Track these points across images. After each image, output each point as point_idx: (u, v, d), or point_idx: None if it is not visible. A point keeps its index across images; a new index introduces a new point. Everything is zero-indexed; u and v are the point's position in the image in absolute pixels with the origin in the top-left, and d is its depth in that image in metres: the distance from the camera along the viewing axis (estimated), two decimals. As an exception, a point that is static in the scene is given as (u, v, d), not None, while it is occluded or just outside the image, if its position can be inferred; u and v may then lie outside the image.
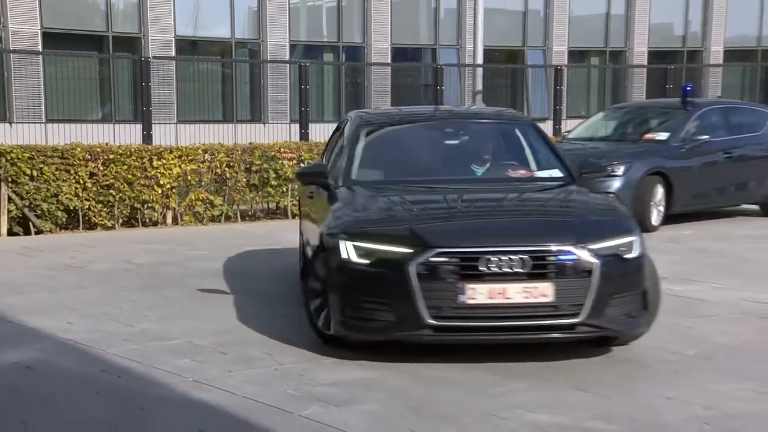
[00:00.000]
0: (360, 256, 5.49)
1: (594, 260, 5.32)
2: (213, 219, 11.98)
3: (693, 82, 24.31)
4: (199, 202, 11.83)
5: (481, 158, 7.08)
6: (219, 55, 20.81)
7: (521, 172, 6.90)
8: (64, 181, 11.02)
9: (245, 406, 4.87)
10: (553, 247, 5.35)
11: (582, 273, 5.32)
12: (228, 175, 11.98)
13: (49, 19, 18.15)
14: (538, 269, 5.29)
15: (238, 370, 5.51)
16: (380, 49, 21.70)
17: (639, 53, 24.89)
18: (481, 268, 5.26)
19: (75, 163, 11.09)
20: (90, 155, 11.20)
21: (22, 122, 16.27)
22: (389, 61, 21.68)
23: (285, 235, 10.82)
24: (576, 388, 5.07)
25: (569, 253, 5.33)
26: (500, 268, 5.26)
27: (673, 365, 5.55)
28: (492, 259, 5.26)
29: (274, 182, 12.26)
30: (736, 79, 25.88)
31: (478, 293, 5.26)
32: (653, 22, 25.18)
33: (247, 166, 12.13)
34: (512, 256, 5.26)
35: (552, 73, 18.08)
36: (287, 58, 20.25)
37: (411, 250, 5.33)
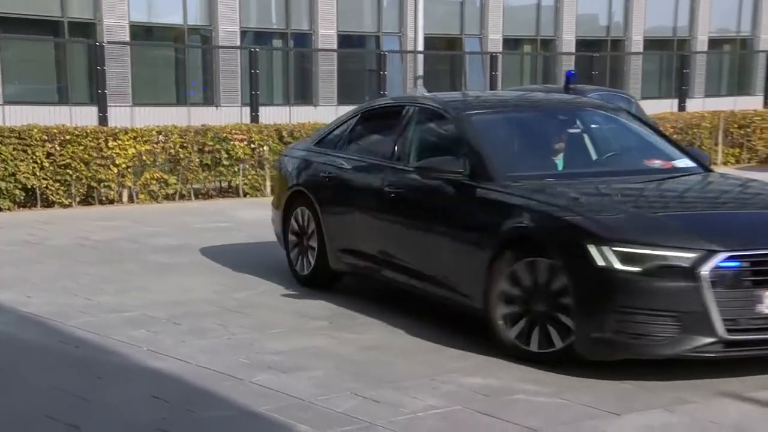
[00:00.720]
0: (625, 262, 4.57)
1: None
2: (167, 197, 11.80)
3: (617, 68, 24.70)
4: (154, 181, 11.64)
5: (610, 147, 6.29)
6: (172, 40, 20.45)
7: (657, 162, 6.04)
8: (21, 160, 10.74)
9: (197, 373, 4.84)
10: None
11: None
12: (182, 156, 11.80)
13: (6, 4, 17.63)
14: None
15: (192, 339, 5.45)
16: (326, 36, 21.54)
17: (567, 41, 25.11)
18: None
19: (32, 143, 10.81)
20: (47, 136, 10.93)
21: (-20, 105, 15.83)
22: (335, 47, 21.53)
23: (236, 212, 10.73)
24: (508, 356, 5.12)
25: None
26: None
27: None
28: None
29: (225, 162, 12.11)
30: (655, 66, 26.33)
31: None
32: (580, 13, 25.43)
33: (200, 146, 11.96)
34: None
35: (488, 60, 18.15)
36: (238, 44, 19.98)
37: (697, 255, 4.50)
